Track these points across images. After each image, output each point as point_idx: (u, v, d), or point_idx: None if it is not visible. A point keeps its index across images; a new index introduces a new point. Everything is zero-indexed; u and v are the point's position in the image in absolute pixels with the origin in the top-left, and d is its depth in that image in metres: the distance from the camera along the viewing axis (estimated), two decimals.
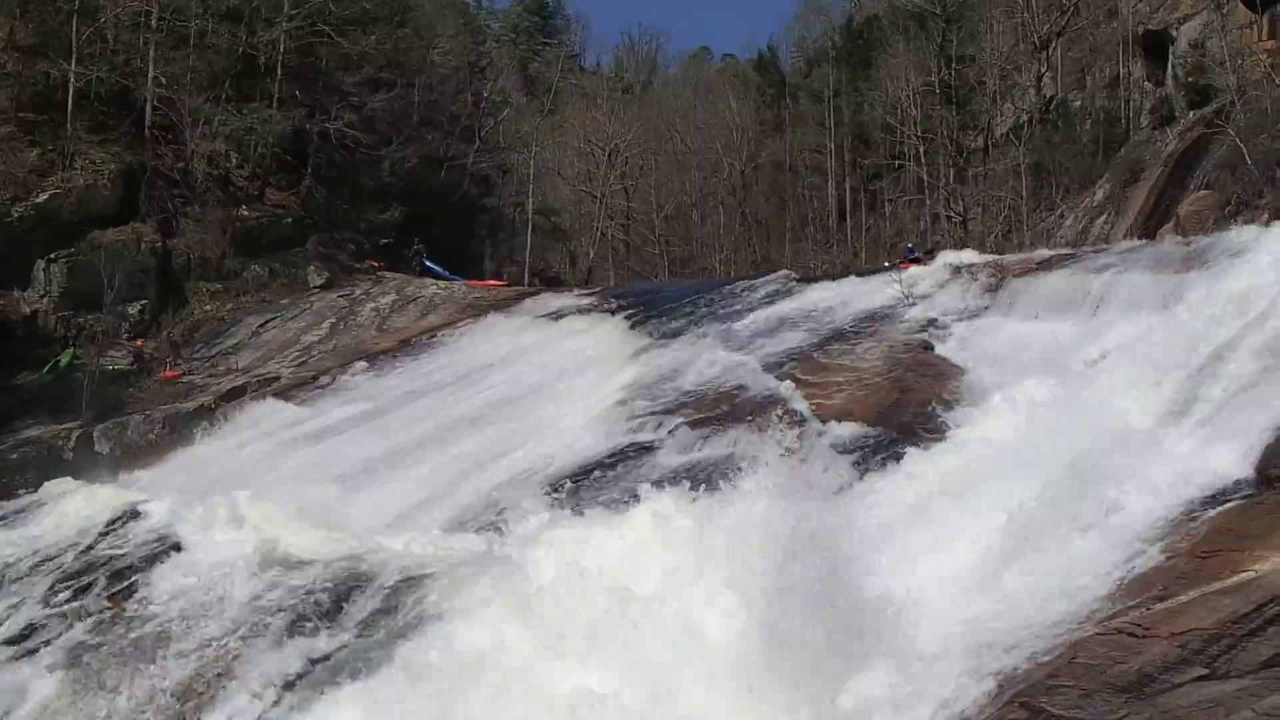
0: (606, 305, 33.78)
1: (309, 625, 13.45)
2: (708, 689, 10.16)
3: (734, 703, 9.97)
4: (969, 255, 31.56)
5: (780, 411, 20.59)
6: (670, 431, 20.85)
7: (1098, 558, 11.58)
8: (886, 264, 34.97)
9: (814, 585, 10.40)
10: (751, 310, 29.65)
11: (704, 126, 75.96)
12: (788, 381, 22.16)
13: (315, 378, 32.17)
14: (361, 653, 12.63)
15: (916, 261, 31.95)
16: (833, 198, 69.94)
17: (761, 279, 33.36)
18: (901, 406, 19.88)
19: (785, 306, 29.36)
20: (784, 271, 35.62)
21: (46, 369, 32.20)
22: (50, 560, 18.64)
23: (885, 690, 10.06)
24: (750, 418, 20.55)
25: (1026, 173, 54.98)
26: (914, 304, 26.77)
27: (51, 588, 17.13)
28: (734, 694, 9.97)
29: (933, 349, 23.43)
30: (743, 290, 32.12)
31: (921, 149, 62.69)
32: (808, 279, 33.56)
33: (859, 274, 32.81)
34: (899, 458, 16.39)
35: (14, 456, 28.31)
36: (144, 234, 36.97)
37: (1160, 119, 51.45)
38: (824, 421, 19.58)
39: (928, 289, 27.51)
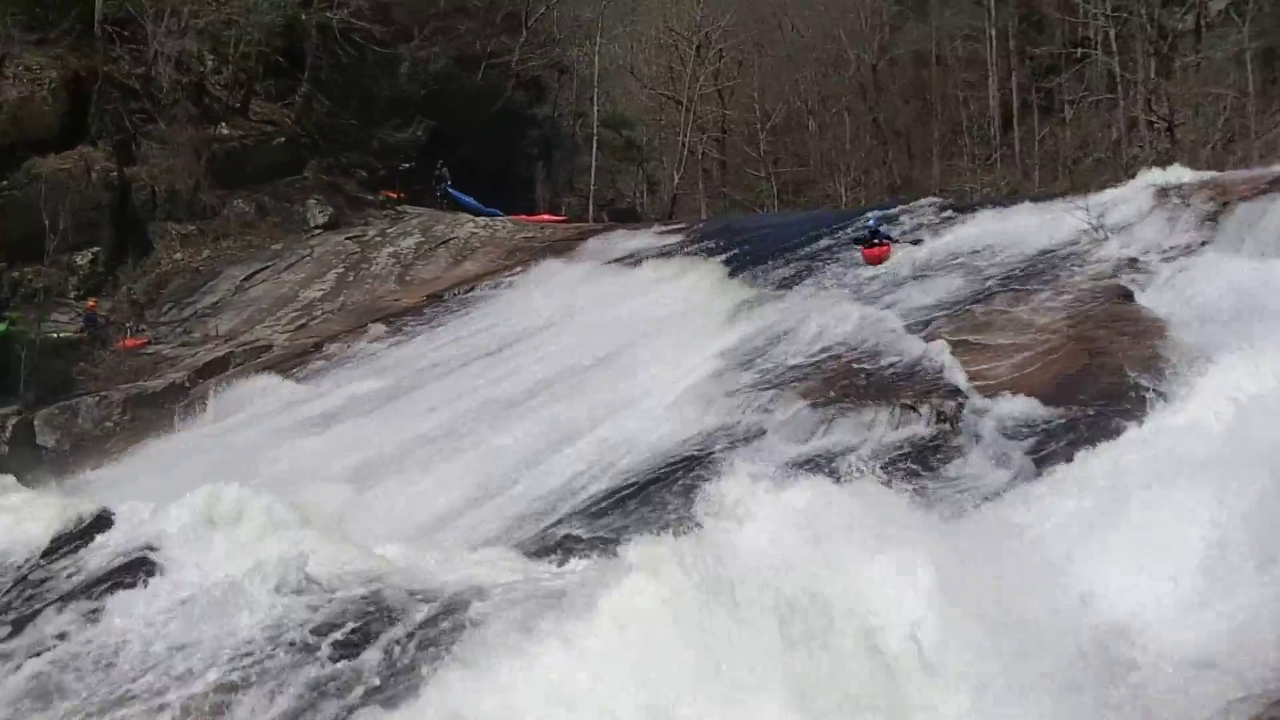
0: (697, 245, 33.82)
1: (317, 668, 13.51)
2: None
3: None
4: (1178, 173, 31.08)
5: (929, 384, 20.47)
6: (782, 413, 20.79)
7: None
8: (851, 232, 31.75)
9: (988, 610, 10.28)
10: None
11: (822, 8, 75.45)
12: (938, 344, 22.02)
13: (318, 345, 32.47)
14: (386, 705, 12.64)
15: (881, 246, 29.57)
16: (994, 100, 69.19)
17: (901, 209, 33.11)
18: (1090, 376, 19.68)
19: (933, 245, 29.16)
20: (931, 198, 35.35)
21: None
22: None
23: None
24: (891, 393, 20.43)
25: (1253, 62, 54.07)
26: (1106, 239, 26.46)
27: None
28: None
29: (1132, 299, 23.15)
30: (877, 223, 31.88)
31: (1112, 33, 61.82)
32: (962, 207, 33.25)
33: (1032, 200, 32.48)
34: (1088, 443, 16.14)
35: None
36: (95, 161, 37.39)
37: None
38: (987, 397, 19.42)
39: (1125, 219, 27.19)
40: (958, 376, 20.53)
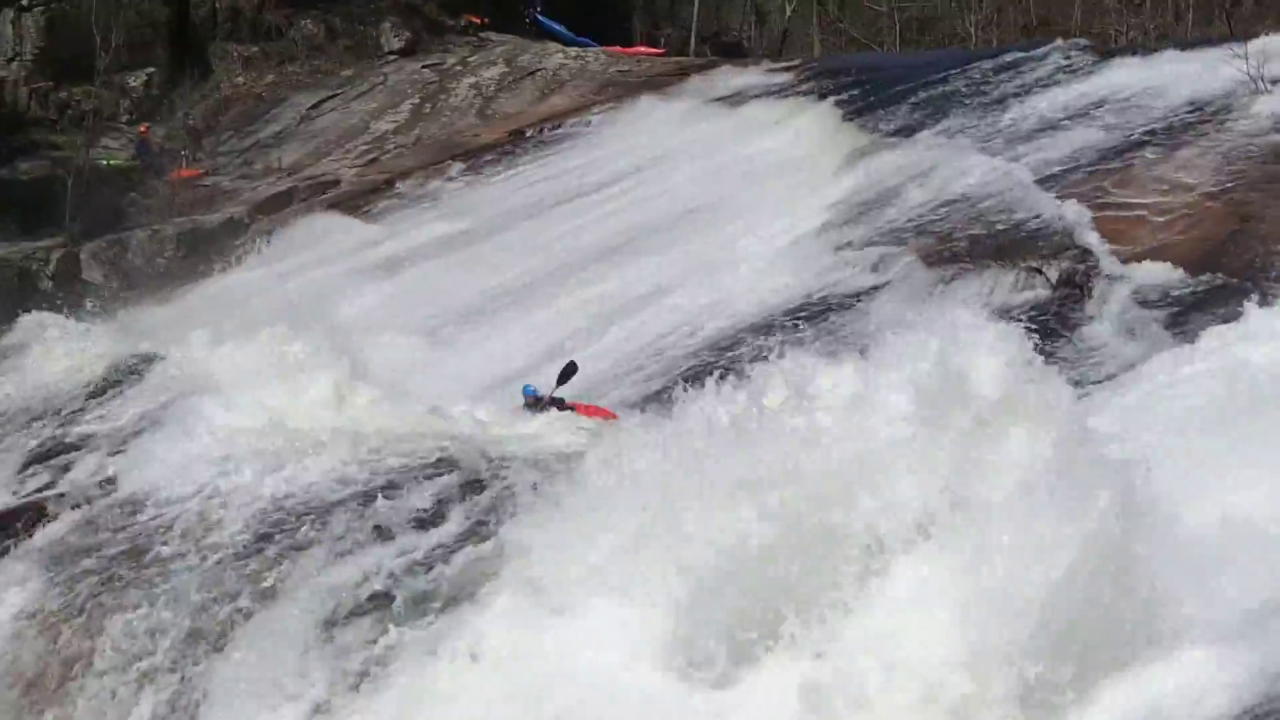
0: (810, 85, 33.54)
1: (380, 528, 13.55)
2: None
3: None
4: None
5: (1058, 246, 20.29)
6: (893, 272, 20.70)
7: None
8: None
9: (1091, 518, 9.99)
10: (1022, 97, 29.14)
11: None
12: (1072, 202, 21.79)
13: (390, 182, 32.56)
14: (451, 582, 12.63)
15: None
16: None
17: (1038, 51, 32.66)
18: (1241, 243, 19.56)
19: (1072, 92, 28.78)
20: (1071, 41, 34.86)
21: None
22: (21, 428, 19.17)
23: (1197, 669, 9.78)
24: (1015, 254, 20.27)
25: None
26: (1266, 92, 26.02)
27: (22, 468, 17.62)
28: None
29: None
30: (1010, 67, 31.53)
31: None
32: (1105, 52, 32.73)
33: (1181, 47, 31.96)
34: (1233, 317, 15.87)
35: None
36: None
37: None
38: (1124, 262, 19.25)
39: None
40: (1090, 238, 20.34)
